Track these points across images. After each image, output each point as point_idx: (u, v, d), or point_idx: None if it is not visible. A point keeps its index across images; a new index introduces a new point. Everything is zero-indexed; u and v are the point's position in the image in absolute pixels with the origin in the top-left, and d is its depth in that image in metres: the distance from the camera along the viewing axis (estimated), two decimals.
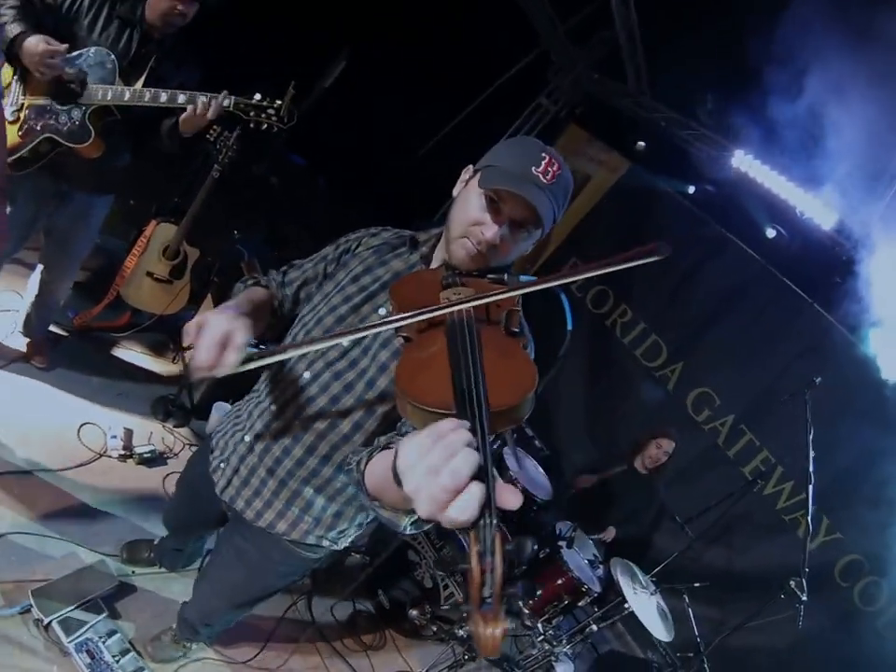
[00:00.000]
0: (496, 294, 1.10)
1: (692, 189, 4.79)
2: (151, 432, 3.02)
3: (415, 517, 1.00)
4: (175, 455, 2.99)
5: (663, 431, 3.70)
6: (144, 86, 2.22)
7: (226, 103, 2.22)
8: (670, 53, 4.11)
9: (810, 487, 2.68)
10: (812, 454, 2.72)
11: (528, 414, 0.97)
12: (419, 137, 5.50)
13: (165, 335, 3.68)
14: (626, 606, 2.69)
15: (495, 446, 1.12)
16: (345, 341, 1.15)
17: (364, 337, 1.32)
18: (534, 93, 5.75)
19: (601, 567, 3.08)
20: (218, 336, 1.13)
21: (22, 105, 2.16)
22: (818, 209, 3.80)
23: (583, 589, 2.88)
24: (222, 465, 1.57)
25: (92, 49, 2.18)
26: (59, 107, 2.19)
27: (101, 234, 2.85)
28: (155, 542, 2.38)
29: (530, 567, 3.09)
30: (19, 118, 2.16)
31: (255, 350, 1.16)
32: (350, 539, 1.61)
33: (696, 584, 3.08)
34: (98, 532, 2.39)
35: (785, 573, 2.65)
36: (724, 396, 4.30)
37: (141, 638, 2.12)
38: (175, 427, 3.14)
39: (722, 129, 4.13)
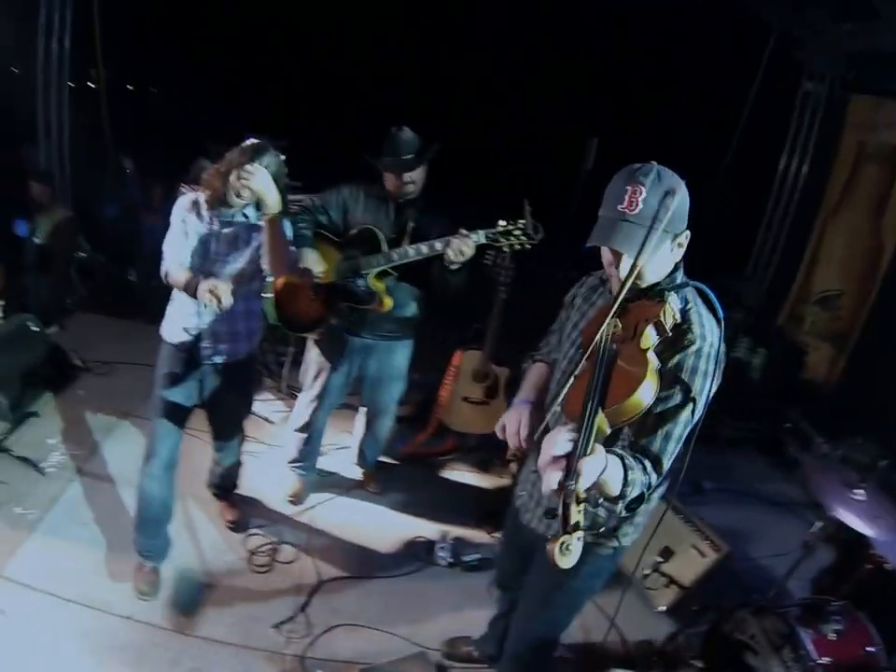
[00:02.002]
0: (605, 317, 1.40)
1: None
2: (480, 543, 3.22)
3: (629, 500, 1.37)
4: None
5: None
6: (408, 245, 2.64)
7: (474, 238, 2.45)
8: None
9: None
10: None
11: (646, 407, 1.32)
12: (696, 184, 5.31)
13: (490, 453, 3.94)
14: None
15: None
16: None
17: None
18: (795, 83, 5.05)
19: None
20: (515, 428, 1.76)
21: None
22: None
23: None
24: (524, 495, 1.94)
25: (357, 229, 2.75)
26: (348, 281, 2.78)
27: (416, 372, 3.29)
28: (475, 639, 2.55)
29: None
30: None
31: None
32: (629, 538, 1.81)
33: None
34: (423, 628, 2.68)
35: None
36: None
37: None
38: None
39: None
